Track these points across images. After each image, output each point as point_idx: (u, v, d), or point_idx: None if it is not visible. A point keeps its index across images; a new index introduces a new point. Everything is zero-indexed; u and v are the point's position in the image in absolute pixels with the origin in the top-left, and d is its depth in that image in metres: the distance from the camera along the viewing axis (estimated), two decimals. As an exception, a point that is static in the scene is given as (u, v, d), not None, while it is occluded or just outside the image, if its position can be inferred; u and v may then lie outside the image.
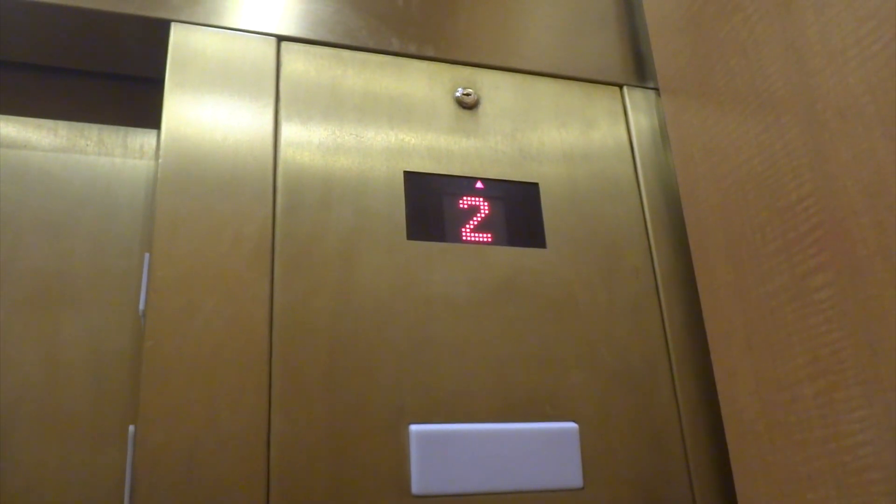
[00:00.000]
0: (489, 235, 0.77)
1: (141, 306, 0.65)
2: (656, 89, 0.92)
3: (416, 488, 0.64)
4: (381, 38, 0.82)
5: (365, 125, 0.78)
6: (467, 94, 0.83)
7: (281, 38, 0.79)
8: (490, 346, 0.72)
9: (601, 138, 0.87)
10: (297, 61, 0.78)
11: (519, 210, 0.79)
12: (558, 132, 0.85)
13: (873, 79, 0.55)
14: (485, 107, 0.84)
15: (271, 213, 0.70)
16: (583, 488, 0.69)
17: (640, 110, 0.90)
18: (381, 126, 0.78)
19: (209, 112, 0.72)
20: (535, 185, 0.81)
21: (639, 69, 0.93)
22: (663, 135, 0.89)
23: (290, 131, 0.75)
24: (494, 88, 0.85)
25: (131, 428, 0.63)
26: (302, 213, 0.71)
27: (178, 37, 0.75)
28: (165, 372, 0.62)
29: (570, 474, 0.69)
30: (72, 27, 0.77)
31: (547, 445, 0.69)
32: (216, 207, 0.68)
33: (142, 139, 0.85)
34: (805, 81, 0.61)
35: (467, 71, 0.85)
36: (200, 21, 0.76)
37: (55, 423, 0.71)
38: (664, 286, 0.81)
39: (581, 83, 0.90)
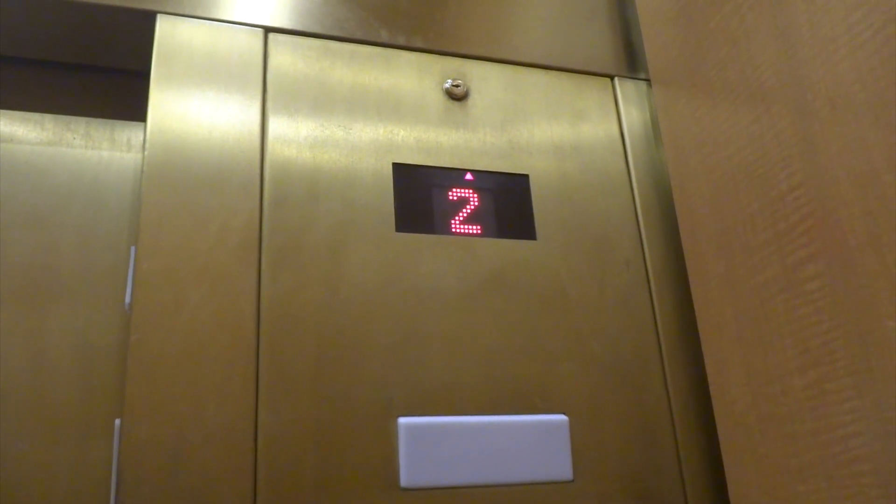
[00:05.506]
0: (479, 227, 0.76)
1: (127, 300, 0.65)
2: (647, 80, 0.91)
3: (404, 481, 0.64)
4: (369, 29, 0.82)
5: (353, 117, 0.77)
6: (456, 86, 0.82)
7: (268, 30, 0.78)
8: (479, 339, 0.72)
9: (592, 129, 0.87)
10: (285, 53, 0.77)
11: (509, 202, 0.79)
12: (549, 123, 0.85)
13: (863, 67, 0.54)
14: (474, 98, 0.83)
15: (258, 206, 0.70)
16: (573, 481, 0.69)
17: (631, 102, 0.90)
18: (369, 118, 0.78)
19: (195, 105, 0.72)
20: (525, 176, 0.81)
21: (630, 60, 0.93)
22: (654, 126, 0.89)
23: (277, 124, 0.74)
24: (484, 80, 0.84)
25: (117, 422, 0.62)
26: (289, 206, 0.71)
27: (164, 29, 0.74)
28: (151, 366, 0.61)
29: (560, 467, 0.69)
30: (58, 19, 0.77)
31: (537, 438, 0.69)
32: (202, 200, 0.68)
33: (129, 132, 0.84)
34: (795, 71, 0.61)
35: (456, 62, 0.84)
36: (186, 12, 0.75)
37: (41, 418, 0.71)
38: (655, 278, 0.81)
39: (571, 74, 0.89)
